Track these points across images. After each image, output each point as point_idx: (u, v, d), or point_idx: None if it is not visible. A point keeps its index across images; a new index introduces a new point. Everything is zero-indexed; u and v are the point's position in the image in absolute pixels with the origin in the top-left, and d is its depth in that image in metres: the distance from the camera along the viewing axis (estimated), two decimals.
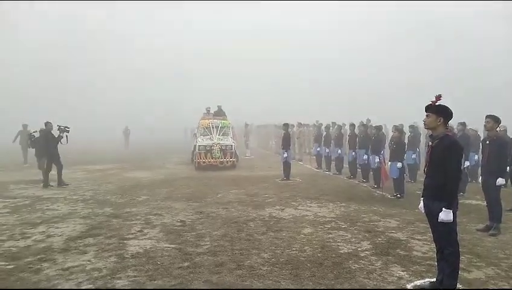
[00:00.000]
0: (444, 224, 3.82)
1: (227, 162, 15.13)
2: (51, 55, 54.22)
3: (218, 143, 15.21)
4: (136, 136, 33.12)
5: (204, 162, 14.85)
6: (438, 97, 4.05)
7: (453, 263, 3.85)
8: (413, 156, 11.28)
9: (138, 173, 14.46)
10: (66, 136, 11.50)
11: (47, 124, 11.58)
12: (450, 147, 3.86)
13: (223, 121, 16.94)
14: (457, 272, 3.89)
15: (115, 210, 8.05)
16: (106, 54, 58.49)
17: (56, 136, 11.46)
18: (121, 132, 30.52)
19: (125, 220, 7.23)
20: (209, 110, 18.35)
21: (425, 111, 4.09)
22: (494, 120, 6.25)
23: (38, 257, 5.21)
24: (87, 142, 33.02)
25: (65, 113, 47.17)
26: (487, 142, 6.40)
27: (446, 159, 3.83)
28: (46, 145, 11.41)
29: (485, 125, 6.43)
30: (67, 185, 11.37)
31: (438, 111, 3.99)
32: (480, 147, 7.90)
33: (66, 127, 11.52)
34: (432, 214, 3.96)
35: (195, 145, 15.58)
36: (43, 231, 6.50)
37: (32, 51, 53.58)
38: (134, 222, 7.08)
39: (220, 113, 18.14)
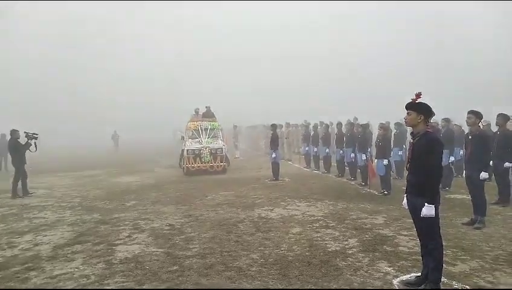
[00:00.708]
0: (427, 219, 3.88)
1: (217, 166, 14.42)
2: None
3: (208, 146, 14.52)
4: (125, 140, 32.90)
5: (193, 167, 14.13)
6: (418, 95, 4.13)
7: (437, 257, 3.92)
8: (400, 152, 11.41)
9: (127, 177, 14.38)
10: (35, 143, 11.02)
11: (13, 132, 10.98)
12: (430, 143, 3.93)
13: (212, 123, 16.10)
14: (442, 265, 3.96)
15: (103, 216, 8.01)
16: (90, 56, 57.80)
17: (24, 144, 10.92)
18: (109, 137, 30.51)
19: (113, 226, 7.19)
20: (198, 112, 17.41)
21: (406, 109, 4.16)
22: (475, 116, 6.36)
23: (26, 265, 5.17)
24: (76, 148, 32.77)
25: (52, 119, 46.80)
26: (470, 137, 6.51)
27: (427, 156, 3.90)
28: (14, 154, 10.94)
29: (467, 121, 6.52)
30: (32, 194, 11.00)
31: (419, 108, 4.06)
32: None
33: (34, 133, 11.01)
34: (415, 210, 4.03)
35: (183, 149, 14.78)
36: (31, 240, 6.44)
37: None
38: (122, 227, 7.05)
39: (208, 114, 17.15)
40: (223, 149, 14.80)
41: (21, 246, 6.09)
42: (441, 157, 4.07)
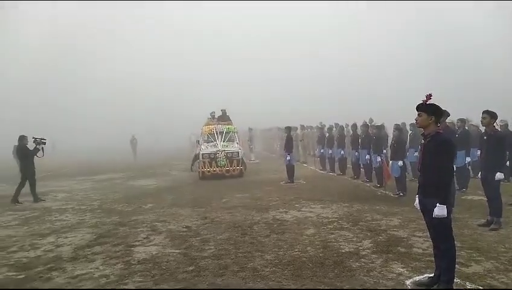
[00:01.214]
0: (439, 219, 3.91)
1: (233, 170, 13.98)
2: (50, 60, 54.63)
3: (224, 150, 14.13)
4: (142, 144, 33.33)
5: (209, 172, 13.79)
6: (429, 96, 4.15)
7: (449, 258, 3.94)
8: (415, 153, 11.30)
9: (144, 181, 14.65)
10: (42, 148, 10.95)
11: (22, 138, 10.97)
12: (441, 144, 3.96)
13: (227, 126, 15.73)
14: (454, 266, 3.98)
15: (122, 218, 8.21)
16: (108, 58, 58.75)
17: (32, 149, 10.87)
18: (128, 141, 29.83)
19: (131, 227, 7.38)
20: (213, 115, 17.08)
21: (417, 110, 4.19)
22: (490, 116, 6.32)
23: (48, 266, 5.37)
24: (94, 153, 33.45)
25: (68, 125, 47.88)
26: (485, 137, 6.47)
27: (438, 157, 3.93)
28: (22, 160, 10.94)
29: (481, 121, 6.49)
30: (44, 200, 10.98)
31: (429, 110, 4.09)
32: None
33: (42, 139, 10.92)
34: (426, 210, 4.06)
35: (197, 153, 14.58)
36: (52, 241, 6.66)
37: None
38: (140, 229, 7.23)
39: (224, 117, 16.83)
40: (240, 153, 14.43)
41: (43, 248, 6.31)
42: (452, 158, 4.08)
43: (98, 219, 8.29)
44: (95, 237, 6.85)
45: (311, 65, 56.89)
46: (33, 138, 10.96)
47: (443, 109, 6.84)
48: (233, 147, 14.59)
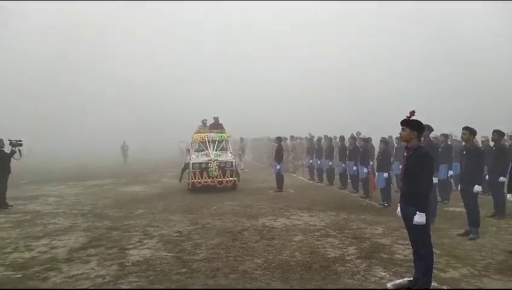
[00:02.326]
0: (419, 226, 4.23)
1: (226, 181, 12.86)
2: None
3: (216, 159, 13.01)
4: (132, 151, 33.34)
5: (199, 183, 12.63)
6: (412, 113, 4.50)
7: (427, 263, 4.25)
8: (400, 166, 11.68)
9: (134, 187, 14.77)
10: (19, 150, 10.82)
11: None
12: (421, 158, 4.29)
13: (220, 134, 14.57)
14: (432, 270, 4.28)
15: (114, 223, 8.37)
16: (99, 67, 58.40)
17: (8, 153, 10.68)
18: (118, 148, 29.88)
19: (124, 232, 7.55)
20: (205, 123, 15.94)
21: (401, 125, 4.52)
22: (469, 132, 6.71)
23: (44, 266, 5.53)
24: (84, 158, 33.31)
25: (61, 130, 47.55)
26: (464, 152, 6.85)
27: (418, 169, 4.26)
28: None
29: (461, 137, 6.88)
30: (11, 206, 10.67)
31: (412, 125, 4.43)
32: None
33: (18, 141, 10.77)
34: (407, 218, 4.37)
35: (187, 163, 13.34)
36: (46, 243, 6.80)
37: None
38: (133, 233, 7.41)
39: (217, 125, 15.68)
40: (233, 163, 13.40)
41: (38, 249, 6.46)
42: (431, 171, 4.41)
43: (90, 223, 8.43)
44: (88, 240, 7.01)
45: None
46: (9, 140, 10.86)
47: (426, 124, 7.28)
48: (227, 157, 13.54)
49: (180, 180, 13.92)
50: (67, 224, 8.42)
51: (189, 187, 12.79)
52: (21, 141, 10.93)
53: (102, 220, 8.68)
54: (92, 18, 60.20)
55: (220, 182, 12.84)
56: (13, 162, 10.80)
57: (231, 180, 13.00)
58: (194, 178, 12.70)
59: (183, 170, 13.80)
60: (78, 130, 51.23)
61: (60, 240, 7.06)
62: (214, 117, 16.30)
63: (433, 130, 7.82)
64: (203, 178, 12.72)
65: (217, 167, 12.92)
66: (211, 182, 12.76)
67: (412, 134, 4.41)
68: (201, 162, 12.97)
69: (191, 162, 13.06)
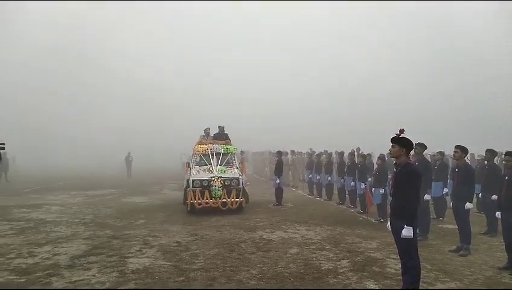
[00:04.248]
0: (406, 240, 4.42)
1: (231, 203, 10.94)
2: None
3: (220, 176, 11.18)
4: (136, 160, 33.24)
5: (200, 204, 10.77)
6: (402, 131, 4.74)
7: (414, 275, 4.44)
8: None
9: (136, 198, 14.97)
10: (0, 153, 10.47)
11: None
12: (409, 174, 4.51)
13: (226, 147, 12.72)
14: (419, 281, 4.47)
15: (115, 232, 8.57)
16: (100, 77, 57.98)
17: None
18: (122, 159, 28.77)
19: (124, 241, 7.75)
20: (208, 133, 13.96)
21: (391, 142, 4.76)
22: (461, 150, 6.94)
23: (47, 272, 5.75)
24: (87, 169, 33.54)
25: (65, 141, 47.72)
26: (456, 170, 7.06)
27: (406, 184, 4.48)
28: None
29: (454, 155, 7.11)
30: None
31: (401, 143, 4.66)
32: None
33: (1, 144, 11.05)
34: (396, 231, 4.57)
35: (188, 180, 11.42)
36: (49, 250, 7.02)
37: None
38: (133, 242, 7.61)
39: (221, 136, 13.70)
40: (240, 180, 11.40)
41: (41, 256, 6.67)
42: (417, 187, 4.60)
43: (91, 232, 8.64)
44: (89, 247, 7.22)
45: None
46: None
47: (420, 142, 7.52)
48: (233, 173, 11.66)
49: (184, 203, 11.74)
50: (69, 232, 8.63)
51: (188, 209, 11.06)
52: (3, 144, 10.86)
53: (103, 229, 8.89)
54: (98, 17, 59.71)
55: (224, 204, 10.93)
56: (13, 171, 10.91)
57: (237, 202, 11.07)
58: (193, 198, 10.84)
59: (186, 188, 11.53)
60: (84, 131, 50.95)
61: (62, 247, 7.27)
62: (219, 126, 14.14)
63: (426, 148, 8.05)
64: (205, 198, 10.85)
65: (220, 186, 11.03)
66: (214, 203, 10.86)
67: (401, 151, 4.64)
68: (203, 179, 11.11)
69: (190, 178, 11.25)
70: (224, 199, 10.96)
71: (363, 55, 54.00)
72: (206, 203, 10.81)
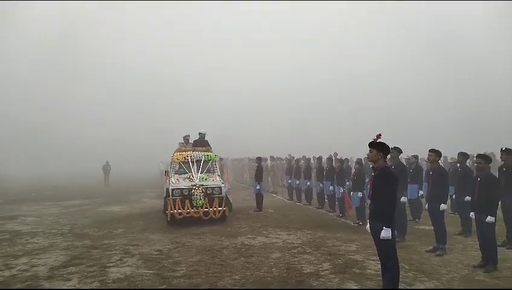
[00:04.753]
0: (385, 241, 4.56)
1: (214, 212, 10.48)
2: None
3: (202, 185, 10.74)
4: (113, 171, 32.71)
5: (180, 214, 10.27)
6: (379, 136, 4.90)
7: (393, 274, 4.58)
8: None
9: (114, 207, 14.74)
10: None
11: None
12: (386, 177, 4.67)
13: (206, 154, 12.20)
14: (398, 281, 4.61)
15: (94, 242, 8.44)
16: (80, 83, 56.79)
17: None
18: (100, 168, 28.19)
19: (104, 250, 7.65)
20: (187, 139, 13.47)
21: (369, 147, 4.91)
22: (435, 153, 7.20)
23: (26, 283, 5.64)
24: (64, 179, 32.77)
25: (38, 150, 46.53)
26: (430, 172, 7.31)
27: (384, 187, 4.63)
28: None
29: (428, 158, 7.36)
30: None
31: (379, 147, 4.82)
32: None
33: None
34: (375, 233, 4.71)
35: (167, 189, 10.94)
36: (27, 262, 6.87)
37: None
38: (113, 252, 7.52)
39: (202, 142, 13.13)
40: (222, 188, 10.94)
41: (18, 268, 6.52)
42: (394, 190, 4.75)
43: (69, 242, 8.48)
44: (68, 258, 7.10)
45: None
46: None
47: (395, 146, 7.75)
48: (214, 181, 11.16)
49: (164, 212, 11.16)
50: (46, 243, 8.45)
51: (168, 219, 10.46)
52: None
53: (82, 239, 8.74)
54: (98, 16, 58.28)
55: (206, 213, 10.47)
56: None
57: (220, 211, 10.60)
58: (173, 208, 10.33)
59: (166, 198, 11.04)
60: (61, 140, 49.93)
61: (40, 258, 7.12)
62: (200, 132, 13.45)
63: (401, 152, 8.31)
64: (185, 208, 10.37)
65: (202, 194, 10.56)
66: (195, 213, 10.40)
67: (379, 155, 4.80)
68: (183, 188, 10.61)
69: (170, 187, 10.72)
70: (206, 208, 10.51)
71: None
72: (187, 213, 10.35)
